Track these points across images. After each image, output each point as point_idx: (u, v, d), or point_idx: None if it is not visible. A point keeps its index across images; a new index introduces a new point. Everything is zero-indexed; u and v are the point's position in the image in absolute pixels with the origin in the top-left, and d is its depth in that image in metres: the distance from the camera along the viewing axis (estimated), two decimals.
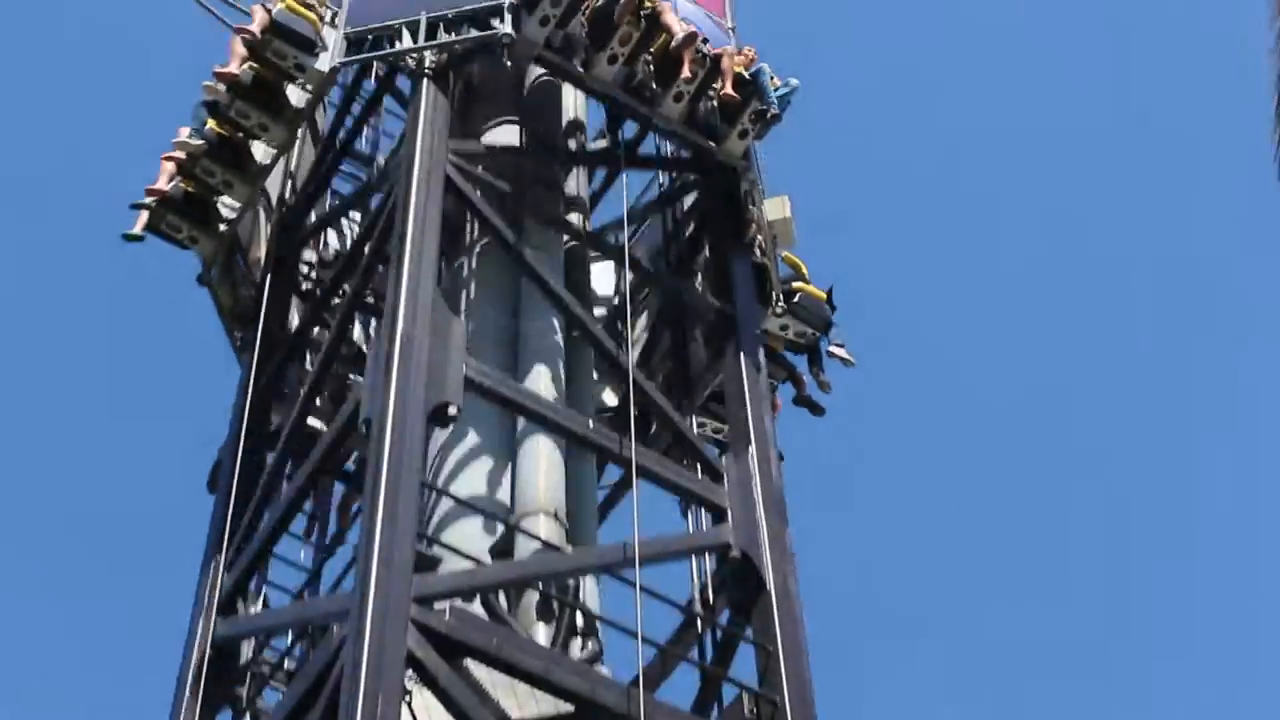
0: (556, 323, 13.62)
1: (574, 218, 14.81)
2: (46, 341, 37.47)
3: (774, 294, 14.41)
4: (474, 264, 14.10)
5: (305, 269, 15.08)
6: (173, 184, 13.73)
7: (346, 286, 13.55)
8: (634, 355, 13.70)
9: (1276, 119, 11.82)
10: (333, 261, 15.03)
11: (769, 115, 13.66)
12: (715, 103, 13.76)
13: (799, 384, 15.03)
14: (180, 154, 13.51)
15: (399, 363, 10.89)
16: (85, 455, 36.67)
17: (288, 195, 14.74)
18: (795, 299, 14.64)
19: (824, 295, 14.89)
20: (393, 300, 11.32)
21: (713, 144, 13.83)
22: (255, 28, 13.13)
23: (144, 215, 13.72)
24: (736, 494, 12.06)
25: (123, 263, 33.16)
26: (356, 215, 15.18)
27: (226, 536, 12.57)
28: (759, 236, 14.30)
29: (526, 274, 13.08)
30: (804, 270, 14.99)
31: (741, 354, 13.29)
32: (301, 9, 13.43)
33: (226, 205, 14.11)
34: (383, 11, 13.55)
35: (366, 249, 13.20)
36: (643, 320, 14.94)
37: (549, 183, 14.62)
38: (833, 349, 14.73)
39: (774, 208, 14.83)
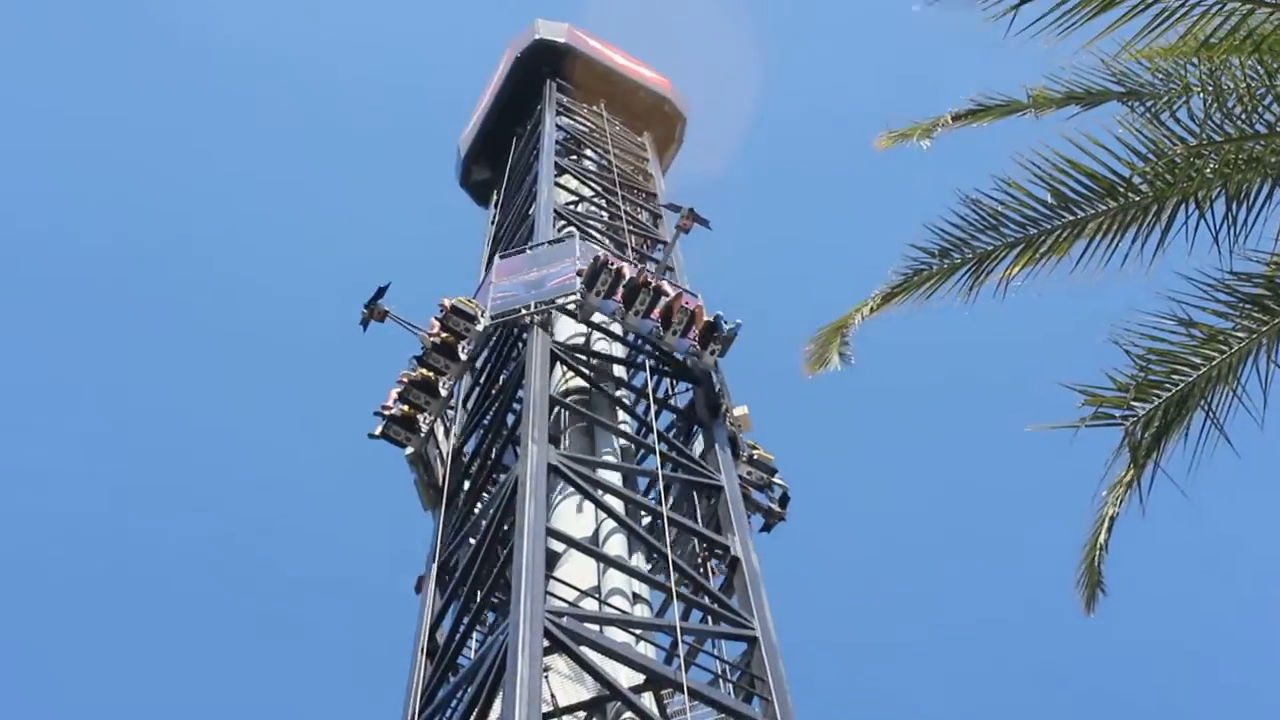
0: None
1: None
2: None
3: (741, 450, 24.88)
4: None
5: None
6: (395, 405, 24.63)
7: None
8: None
9: None
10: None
11: (727, 337, 24.63)
12: (695, 341, 24.77)
13: (762, 510, 25.11)
14: (403, 382, 24.49)
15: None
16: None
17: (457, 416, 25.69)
18: (754, 457, 25.08)
19: (772, 456, 25.32)
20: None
21: (696, 359, 24.77)
22: (446, 304, 24.54)
23: (381, 425, 24.54)
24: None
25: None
26: None
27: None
28: (729, 415, 24.97)
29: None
30: (759, 448, 25.48)
31: (725, 481, 23.51)
32: (467, 303, 24.87)
33: (423, 420, 24.92)
34: (509, 304, 25.01)
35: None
36: None
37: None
38: (776, 481, 24.94)
39: (739, 410, 25.56)
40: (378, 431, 24.56)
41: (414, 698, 18.32)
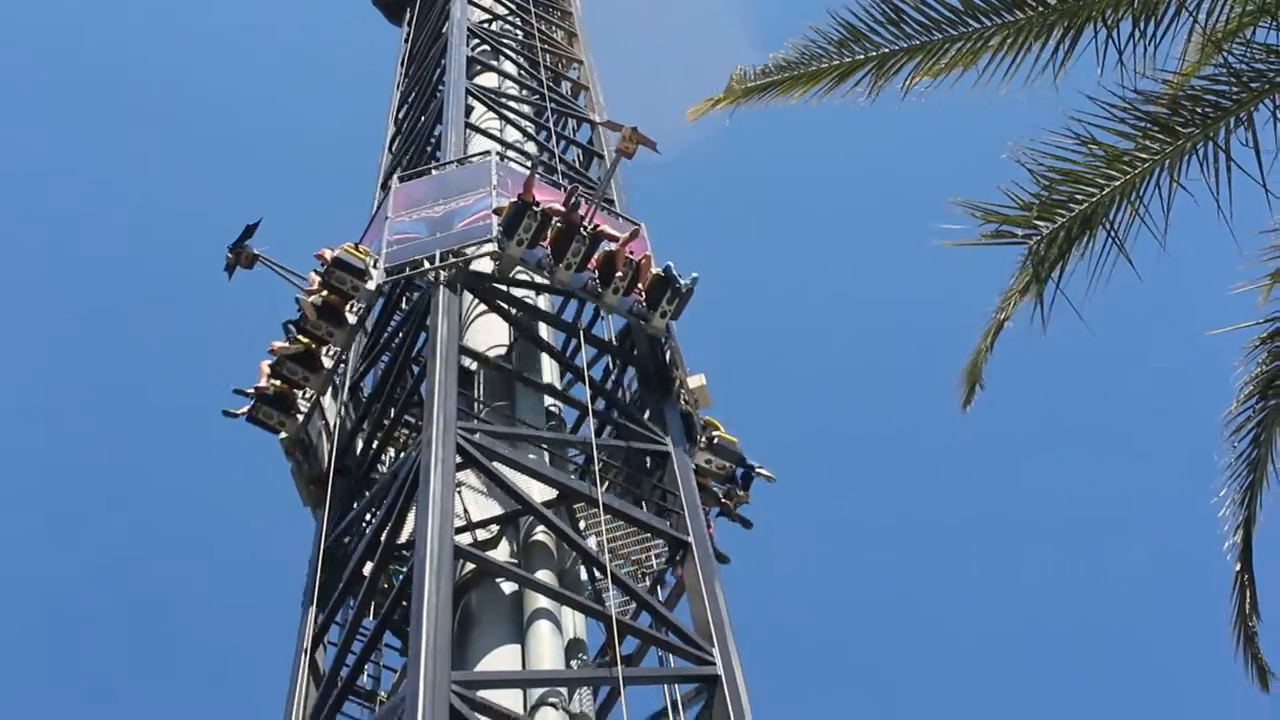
0: None
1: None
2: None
3: (698, 435, 20.08)
4: None
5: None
6: (268, 383, 19.58)
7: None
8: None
9: None
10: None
11: (682, 292, 19.68)
12: (642, 298, 19.81)
13: (727, 509, 20.41)
14: (276, 353, 19.40)
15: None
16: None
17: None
18: (715, 441, 20.29)
19: (736, 440, 20.54)
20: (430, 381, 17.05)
21: (643, 322, 19.83)
22: (327, 258, 19.36)
23: (246, 405, 19.50)
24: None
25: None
26: None
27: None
28: (682, 391, 20.13)
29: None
30: (720, 426, 20.69)
31: (677, 469, 18.78)
32: (355, 252, 19.69)
33: (302, 401, 19.90)
34: (409, 253, 19.84)
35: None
36: None
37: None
38: (758, 471, 20.19)
39: (694, 380, 20.71)
40: (239, 411, 19.54)
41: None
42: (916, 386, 44.72)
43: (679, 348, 20.42)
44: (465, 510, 17.18)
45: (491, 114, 26.45)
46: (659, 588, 18.82)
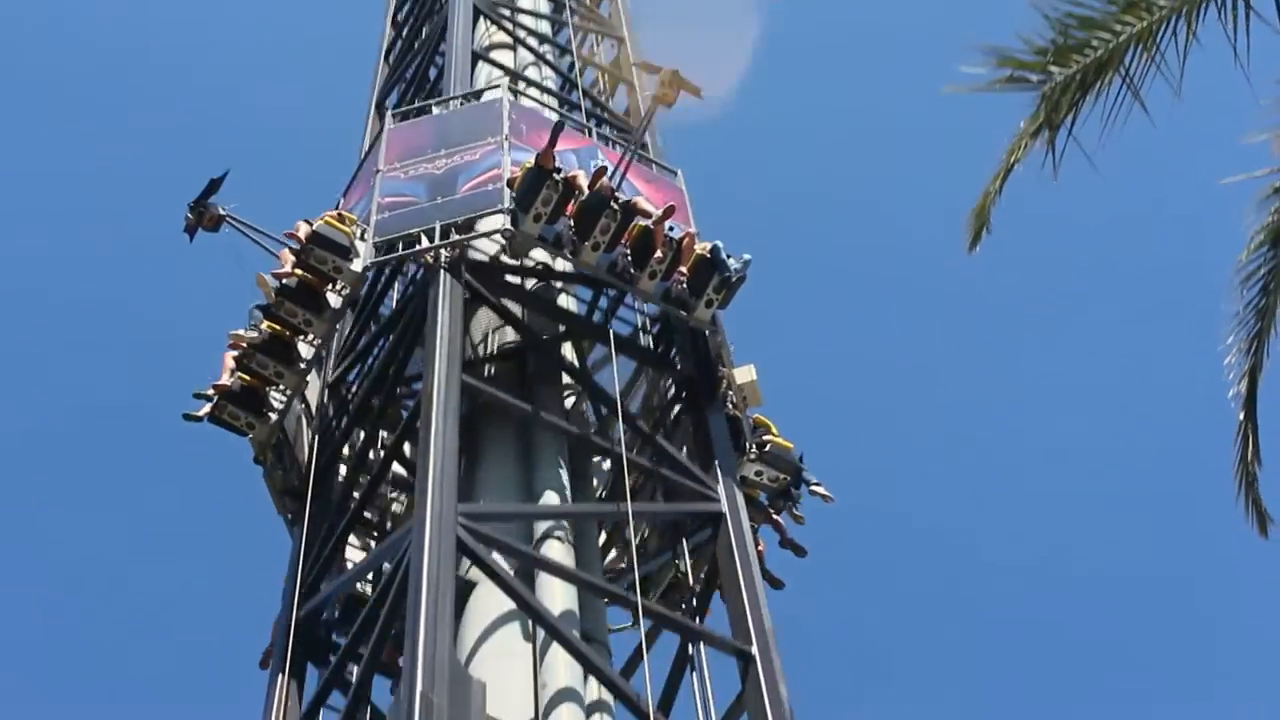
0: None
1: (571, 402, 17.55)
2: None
3: (746, 443, 16.86)
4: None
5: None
6: (233, 378, 16.32)
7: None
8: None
9: None
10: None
11: (732, 280, 16.34)
12: (684, 282, 16.45)
13: (780, 529, 17.26)
14: (240, 346, 16.11)
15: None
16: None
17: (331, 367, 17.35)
18: (766, 449, 17.07)
19: (791, 445, 17.32)
20: (410, 665, 11.84)
21: (684, 312, 16.50)
22: (301, 236, 15.97)
23: (207, 405, 16.26)
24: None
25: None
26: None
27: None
28: (729, 392, 16.86)
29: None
30: (773, 428, 17.45)
31: (721, 480, 15.62)
32: (337, 223, 16.30)
33: (276, 397, 16.66)
34: (404, 223, 16.42)
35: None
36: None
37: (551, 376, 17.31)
38: (814, 488, 17.03)
39: (742, 374, 17.43)
40: (200, 414, 16.32)
41: None
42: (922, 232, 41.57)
43: (726, 340, 17.10)
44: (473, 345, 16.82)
45: (503, 34, 22.75)
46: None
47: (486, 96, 19.06)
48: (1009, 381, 44.46)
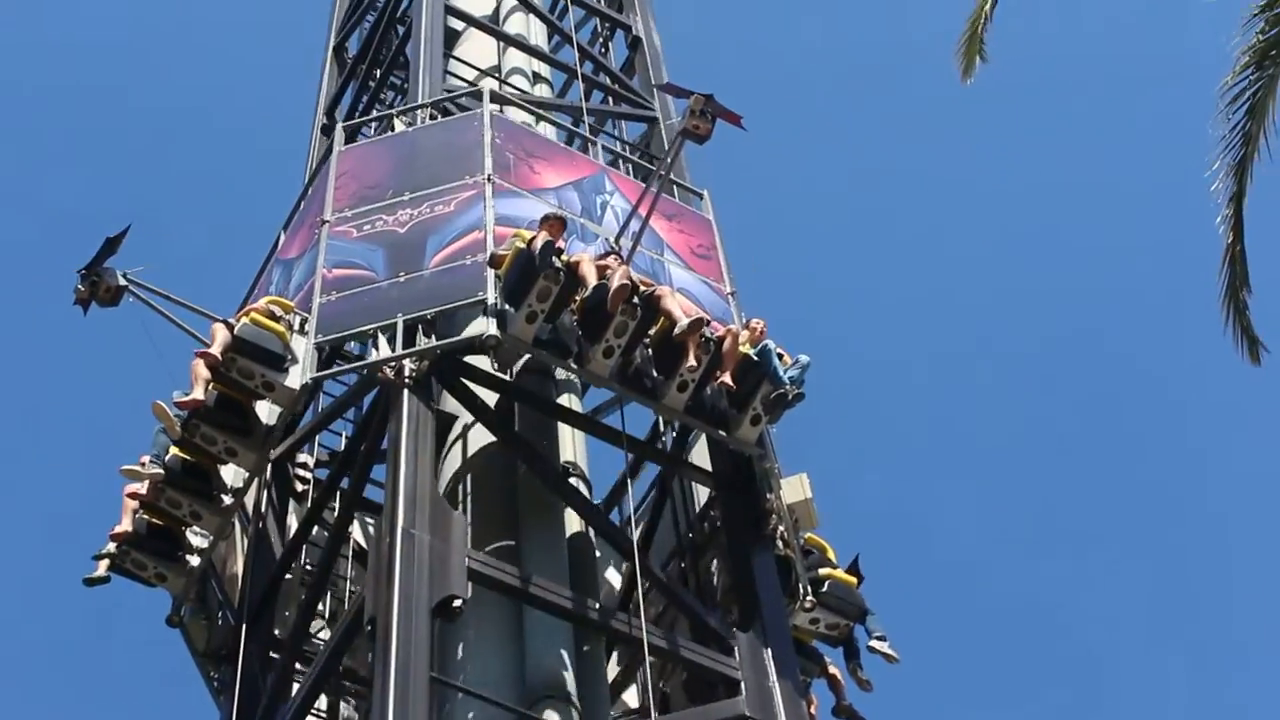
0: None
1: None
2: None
3: (801, 586, 13.13)
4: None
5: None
6: (136, 518, 12.53)
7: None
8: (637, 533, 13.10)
9: None
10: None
11: (786, 398, 12.49)
12: (724, 390, 12.58)
13: (837, 689, 13.61)
14: (140, 487, 12.30)
15: (401, 559, 10.59)
16: None
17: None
18: (824, 588, 13.34)
19: (855, 581, 13.61)
20: (391, 499, 11.14)
21: (723, 432, 12.64)
22: (216, 349, 12.02)
23: (105, 562, 12.51)
24: (749, 666, 11.74)
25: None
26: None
27: None
28: (780, 527, 13.08)
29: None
30: (831, 554, 13.73)
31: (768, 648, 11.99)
32: (267, 321, 12.33)
33: (195, 539, 12.89)
34: (355, 316, 12.48)
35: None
36: None
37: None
38: (873, 644, 13.35)
39: (792, 489, 13.58)
40: (100, 570, 12.58)
41: None
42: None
43: (776, 465, 13.20)
44: None
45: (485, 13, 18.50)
46: None
47: (462, 106, 14.97)
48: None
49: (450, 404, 13.45)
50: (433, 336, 12.25)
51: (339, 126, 15.32)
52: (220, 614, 13.34)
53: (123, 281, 13.74)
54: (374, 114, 16.31)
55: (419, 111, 15.13)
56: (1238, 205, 14.35)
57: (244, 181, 36.83)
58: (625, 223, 13.74)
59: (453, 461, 13.60)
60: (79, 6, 39.95)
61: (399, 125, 15.09)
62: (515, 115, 15.48)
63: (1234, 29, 13.93)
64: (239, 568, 13.57)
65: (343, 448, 14.31)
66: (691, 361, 12.24)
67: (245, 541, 13.69)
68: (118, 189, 35.09)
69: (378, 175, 14.15)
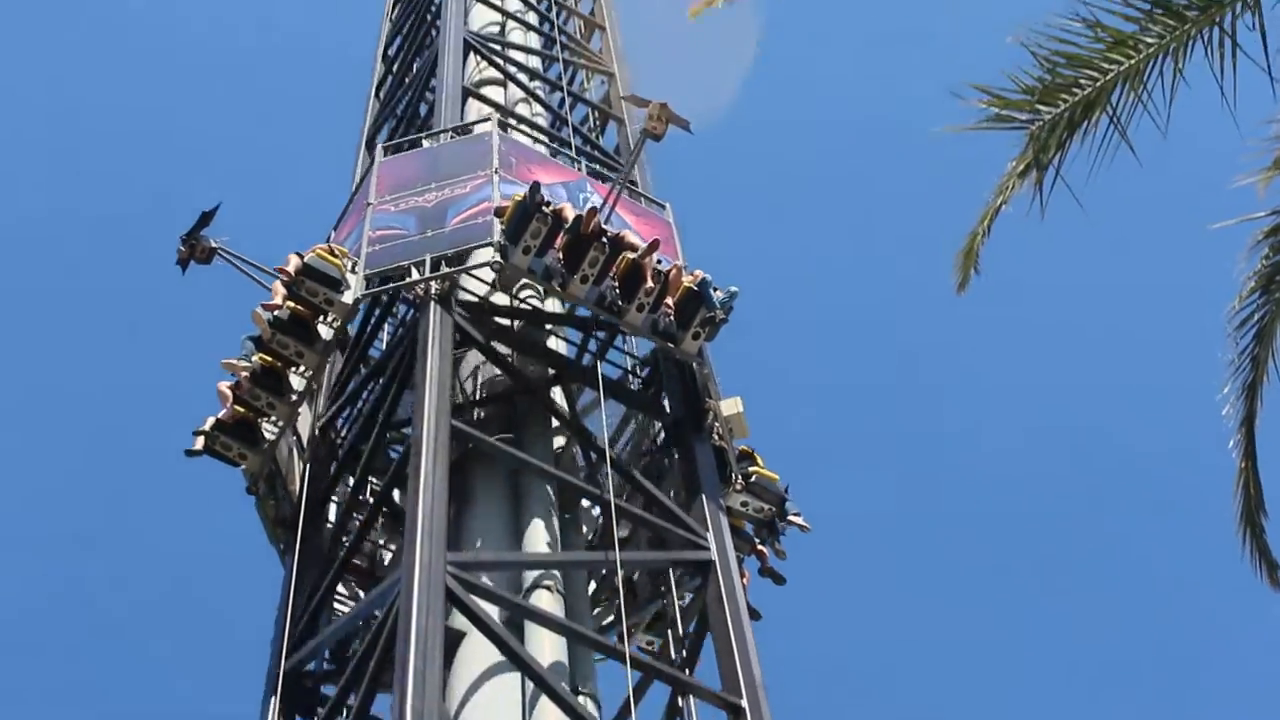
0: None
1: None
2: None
3: (733, 474, 17.05)
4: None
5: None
6: (229, 410, 16.48)
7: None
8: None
9: None
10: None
11: (715, 319, 16.57)
12: (670, 314, 16.64)
13: (762, 557, 17.44)
14: (238, 373, 16.24)
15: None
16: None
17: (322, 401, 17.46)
18: (752, 479, 17.26)
19: (776, 476, 17.52)
20: (421, 376, 14.58)
21: (671, 345, 16.69)
22: (291, 269, 16.16)
23: (201, 439, 16.43)
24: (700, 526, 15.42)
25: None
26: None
27: None
28: (716, 424, 17.04)
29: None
30: (759, 459, 17.65)
31: (706, 507, 15.78)
32: (329, 256, 16.49)
33: (268, 428, 16.82)
34: (394, 256, 16.64)
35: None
36: None
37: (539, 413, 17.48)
38: (791, 517, 17.23)
39: (729, 405, 17.59)
40: (198, 445, 16.48)
41: None
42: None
43: (713, 372, 17.29)
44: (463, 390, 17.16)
45: (493, 69, 22.96)
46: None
47: (477, 130, 19.29)
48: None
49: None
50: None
51: (380, 145, 19.62)
52: (284, 497, 17.17)
53: (215, 245, 17.90)
54: (407, 137, 20.48)
55: (441, 135, 19.47)
56: (1249, 429, 14.41)
57: (296, 198, 42.57)
58: (602, 206, 17.87)
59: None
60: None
61: (426, 144, 19.37)
62: (515, 138, 19.78)
63: (1240, 253, 14.11)
64: (295, 485, 17.42)
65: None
66: (649, 284, 16.36)
67: (300, 465, 17.62)
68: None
69: (410, 174, 18.38)
